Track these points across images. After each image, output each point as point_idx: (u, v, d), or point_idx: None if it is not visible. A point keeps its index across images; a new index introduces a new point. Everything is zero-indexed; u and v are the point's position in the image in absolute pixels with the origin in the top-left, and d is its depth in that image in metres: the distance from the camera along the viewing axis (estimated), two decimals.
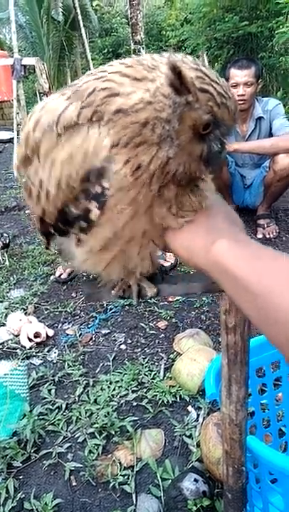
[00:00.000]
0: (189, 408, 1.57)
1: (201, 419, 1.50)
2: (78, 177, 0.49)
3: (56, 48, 10.00)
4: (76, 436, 1.47)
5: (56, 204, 0.53)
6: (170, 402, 1.58)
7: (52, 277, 2.55)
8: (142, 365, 1.76)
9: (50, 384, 1.69)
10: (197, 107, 0.44)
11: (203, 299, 2.20)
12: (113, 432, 1.47)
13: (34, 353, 1.88)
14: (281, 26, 7.13)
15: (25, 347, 1.92)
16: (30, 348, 1.91)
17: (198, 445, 1.40)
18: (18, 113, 5.13)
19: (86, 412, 1.55)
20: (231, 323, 0.62)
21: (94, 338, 1.96)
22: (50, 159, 0.50)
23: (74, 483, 1.33)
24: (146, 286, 0.59)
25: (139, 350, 1.87)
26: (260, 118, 2.78)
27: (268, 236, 2.93)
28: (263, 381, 1.20)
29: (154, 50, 9.38)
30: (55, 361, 1.82)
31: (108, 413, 1.53)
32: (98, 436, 1.46)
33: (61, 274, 2.50)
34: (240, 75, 2.62)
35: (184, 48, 9.69)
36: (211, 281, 0.52)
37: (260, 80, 2.73)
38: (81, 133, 0.48)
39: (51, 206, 0.53)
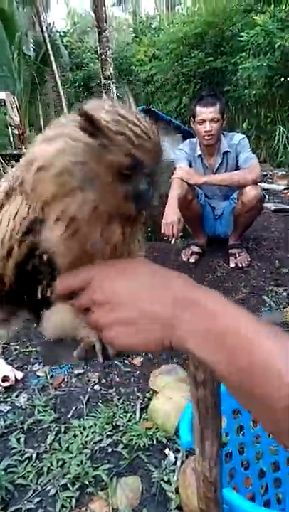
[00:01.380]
0: (166, 451, 1.51)
1: (179, 463, 1.44)
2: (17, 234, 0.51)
3: (27, 82, 10.14)
4: (47, 489, 1.38)
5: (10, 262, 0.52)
6: (146, 445, 1.52)
7: None
8: (117, 406, 1.70)
9: (19, 432, 1.60)
10: (114, 149, 0.44)
11: None
12: (87, 482, 1.39)
13: (2, 399, 1.78)
14: (244, 62, 7.51)
15: None
16: None
17: (176, 491, 1.34)
18: None
19: (58, 462, 1.46)
20: (201, 378, 0.59)
21: (66, 380, 1.89)
22: None
23: None
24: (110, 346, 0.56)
25: (114, 390, 1.81)
26: (226, 152, 2.87)
27: (240, 265, 2.96)
28: (240, 422, 1.17)
29: (124, 84, 9.63)
30: (24, 407, 1.73)
31: (81, 462, 1.45)
32: (71, 488, 1.37)
33: None
34: (206, 111, 2.71)
35: (152, 83, 10.02)
36: None
37: (225, 116, 2.82)
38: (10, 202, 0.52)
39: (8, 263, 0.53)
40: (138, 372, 1.93)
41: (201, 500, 0.68)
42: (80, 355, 0.57)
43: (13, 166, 0.57)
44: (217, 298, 0.48)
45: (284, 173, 6.63)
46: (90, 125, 0.43)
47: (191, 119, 2.85)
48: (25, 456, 1.50)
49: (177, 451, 1.49)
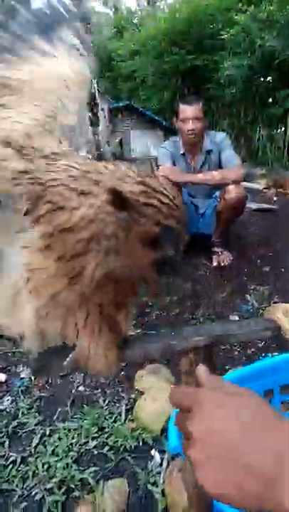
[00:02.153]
0: (152, 452, 1.51)
1: (165, 464, 1.45)
2: None
3: None
4: (33, 493, 1.36)
5: None
6: (132, 447, 1.52)
7: None
8: (102, 407, 1.69)
9: (3, 436, 1.57)
10: (144, 220, 0.44)
11: (162, 330, 2.18)
12: (73, 486, 1.37)
13: None
14: (225, 60, 7.56)
15: None
16: None
17: (163, 493, 1.34)
18: None
19: (43, 466, 1.44)
20: (192, 385, 0.59)
21: (50, 381, 1.86)
22: None
23: None
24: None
25: (99, 391, 1.80)
26: (209, 151, 2.88)
27: (222, 264, 2.98)
28: None
29: (105, 80, 9.56)
30: (8, 410, 1.70)
31: (67, 465, 1.44)
32: (57, 492, 1.36)
33: None
34: (190, 109, 2.72)
35: (134, 79, 9.98)
36: (168, 343, 0.49)
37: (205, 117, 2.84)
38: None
39: None
40: (123, 372, 1.92)
41: (192, 508, 0.68)
42: (71, 365, 0.56)
43: None
44: None
45: (264, 172, 6.72)
46: (119, 200, 0.42)
47: (174, 117, 2.85)
48: (10, 460, 1.47)
49: (163, 452, 1.49)
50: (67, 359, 0.57)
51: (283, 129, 8.28)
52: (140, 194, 0.43)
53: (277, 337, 2.15)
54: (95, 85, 5.65)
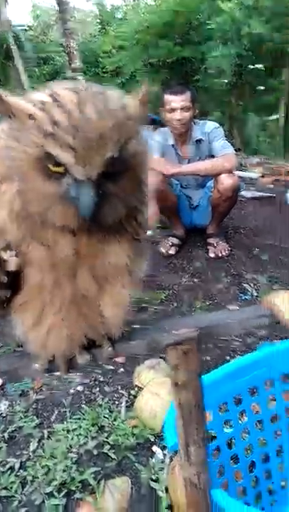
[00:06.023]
0: (154, 448, 1.47)
1: (167, 460, 1.41)
2: None
3: None
4: (33, 498, 1.33)
5: None
6: (134, 444, 1.48)
7: None
8: (101, 406, 1.65)
9: (0, 441, 1.53)
10: (25, 136, 0.39)
11: (148, 326, 2.13)
12: (74, 488, 1.34)
13: None
14: (213, 50, 7.48)
15: None
16: None
17: (167, 490, 1.30)
18: None
19: (43, 469, 1.41)
20: (181, 380, 0.55)
21: (47, 382, 1.82)
22: None
23: None
24: (78, 354, 0.52)
25: (97, 389, 1.76)
26: (199, 140, 2.83)
27: (219, 255, 2.95)
28: (227, 416, 1.14)
29: (91, 77, 9.49)
30: (4, 414, 1.66)
31: (67, 467, 1.40)
32: (57, 495, 1.32)
33: None
34: (176, 100, 2.66)
35: (121, 74, 9.90)
36: (153, 338, 0.45)
37: (196, 105, 2.78)
38: None
39: None
40: (121, 369, 1.88)
41: (190, 506, 0.65)
42: (43, 367, 0.52)
43: None
44: None
45: (258, 160, 6.67)
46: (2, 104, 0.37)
47: (160, 108, 2.79)
48: (8, 466, 1.43)
49: (165, 447, 1.45)
50: (39, 361, 0.53)
51: (276, 116, 8.22)
52: (32, 103, 0.38)
53: (277, 325, 2.11)
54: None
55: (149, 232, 2.55)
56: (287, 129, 7.50)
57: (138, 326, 2.13)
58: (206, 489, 0.62)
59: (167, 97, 2.71)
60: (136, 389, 1.74)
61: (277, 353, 1.19)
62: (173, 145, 2.90)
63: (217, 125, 2.88)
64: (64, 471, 1.38)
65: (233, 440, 1.16)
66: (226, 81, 7.59)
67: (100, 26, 12.44)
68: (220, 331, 0.50)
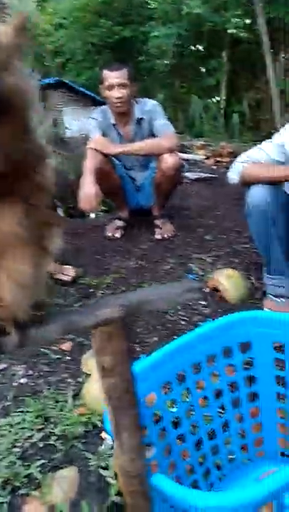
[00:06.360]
0: (103, 435, 1.44)
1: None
2: None
3: None
4: None
5: None
6: (82, 433, 1.44)
7: None
8: (47, 397, 1.59)
9: None
10: None
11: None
12: (19, 484, 1.28)
13: None
14: (154, 30, 7.38)
15: None
16: None
17: (116, 476, 1.28)
18: None
19: None
20: (108, 364, 0.51)
21: None
22: None
23: None
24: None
25: (42, 380, 1.69)
26: (140, 119, 2.77)
27: (165, 236, 2.94)
28: (170, 395, 1.12)
29: (31, 56, 9.04)
30: None
31: (11, 462, 1.33)
32: (2, 492, 1.26)
33: None
34: (113, 76, 2.59)
35: (61, 54, 9.54)
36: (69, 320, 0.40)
37: (135, 83, 2.71)
38: None
39: None
40: (68, 357, 1.83)
41: (127, 495, 0.61)
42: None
43: None
44: None
45: (202, 143, 6.73)
46: None
47: (100, 85, 2.70)
48: None
49: None
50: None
51: (218, 98, 8.32)
52: None
53: (222, 301, 2.14)
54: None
55: (92, 215, 2.49)
56: (228, 110, 7.62)
57: (58, 309, 2.07)
58: (143, 476, 0.59)
59: (105, 73, 2.63)
60: (84, 376, 1.69)
61: (218, 327, 1.18)
62: (114, 124, 2.81)
63: (156, 103, 2.83)
64: (7, 467, 1.32)
65: (179, 419, 1.14)
66: (168, 62, 7.55)
67: (36, 2, 11.85)
68: (137, 309, 0.48)
